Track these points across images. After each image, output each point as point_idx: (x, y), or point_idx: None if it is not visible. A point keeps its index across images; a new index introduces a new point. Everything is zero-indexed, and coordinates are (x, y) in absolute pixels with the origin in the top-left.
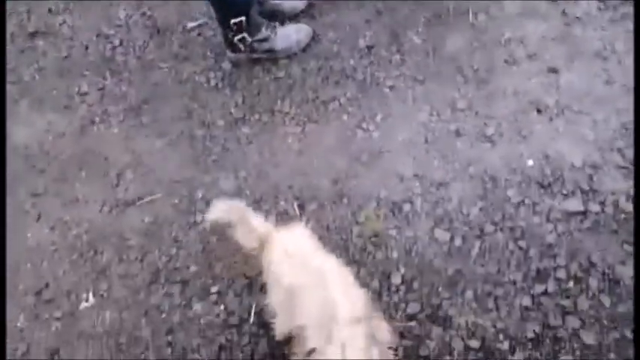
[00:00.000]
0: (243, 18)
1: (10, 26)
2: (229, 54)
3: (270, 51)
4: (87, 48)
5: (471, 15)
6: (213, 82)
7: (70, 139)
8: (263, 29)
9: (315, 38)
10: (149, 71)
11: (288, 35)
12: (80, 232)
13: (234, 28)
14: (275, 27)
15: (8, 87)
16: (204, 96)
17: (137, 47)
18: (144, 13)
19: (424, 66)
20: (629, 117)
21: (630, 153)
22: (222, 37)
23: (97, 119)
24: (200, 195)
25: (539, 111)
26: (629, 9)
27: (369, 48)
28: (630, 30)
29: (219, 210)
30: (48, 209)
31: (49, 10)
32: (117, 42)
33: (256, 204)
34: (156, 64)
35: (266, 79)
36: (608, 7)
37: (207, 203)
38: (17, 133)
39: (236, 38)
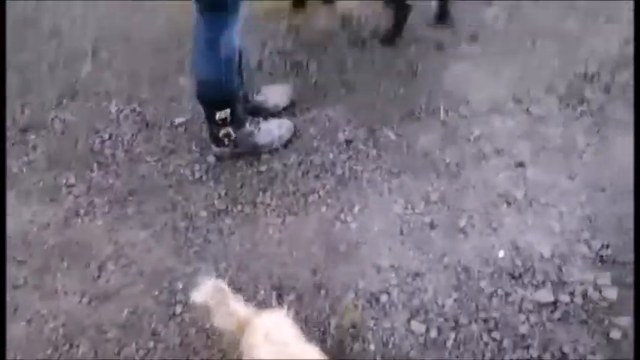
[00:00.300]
0: (227, 112)
1: None
2: (214, 148)
3: (253, 146)
4: (77, 142)
5: (442, 113)
6: (197, 175)
7: (53, 230)
8: (247, 125)
9: (296, 134)
10: (136, 164)
11: (271, 131)
12: (57, 325)
13: (220, 122)
14: (258, 123)
15: None
16: (188, 188)
17: (126, 141)
18: (134, 109)
19: (399, 160)
20: (593, 209)
21: (596, 244)
22: (208, 132)
23: (82, 211)
24: (180, 286)
25: (508, 203)
26: (587, 107)
27: (348, 143)
28: (587, 126)
29: (203, 292)
30: (26, 302)
31: (43, 106)
32: (106, 136)
33: (236, 294)
34: (143, 157)
35: (249, 172)
36: (567, 107)
37: (188, 295)
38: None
39: (221, 133)
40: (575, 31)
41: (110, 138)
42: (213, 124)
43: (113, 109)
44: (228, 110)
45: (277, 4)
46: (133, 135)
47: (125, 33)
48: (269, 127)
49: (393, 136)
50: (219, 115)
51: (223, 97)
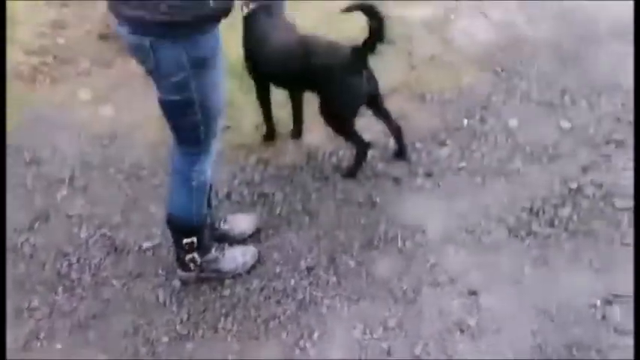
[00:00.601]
0: (194, 239)
1: None
2: (180, 272)
3: (218, 271)
4: (44, 265)
5: (399, 242)
6: (161, 299)
7: (12, 355)
8: (212, 250)
9: (259, 260)
10: (102, 288)
11: (235, 257)
12: None
13: (186, 248)
14: (223, 249)
15: None
16: (151, 312)
17: (93, 265)
18: (104, 234)
19: (358, 287)
20: (543, 337)
21: None
22: (175, 256)
23: (43, 334)
24: None
25: (462, 331)
26: (534, 239)
27: (309, 270)
28: (535, 257)
29: None
30: None
31: (14, 230)
32: (74, 260)
33: None
34: (109, 281)
35: (212, 296)
36: (516, 238)
37: None
38: None
39: (187, 257)
40: (521, 170)
41: (78, 262)
42: (180, 249)
43: (83, 234)
44: (195, 237)
45: (246, 139)
46: (100, 259)
47: (103, 161)
48: (234, 253)
49: (353, 264)
50: (186, 241)
51: (191, 225)
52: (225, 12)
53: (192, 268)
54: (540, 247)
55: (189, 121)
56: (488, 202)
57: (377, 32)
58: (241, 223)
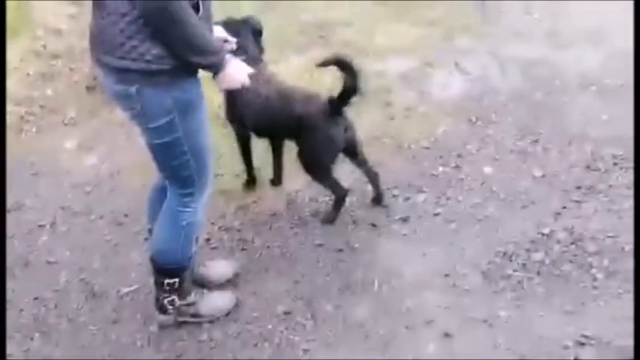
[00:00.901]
0: (177, 280)
1: None
2: (158, 316)
3: (196, 315)
4: (21, 311)
5: (376, 286)
6: (139, 344)
7: None
8: (192, 294)
9: (237, 304)
10: (78, 333)
11: (213, 302)
12: None
13: (167, 288)
14: (203, 293)
15: None
16: (129, 357)
17: (71, 310)
18: (83, 279)
19: (335, 331)
20: None
21: None
22: (154, 299)
23: None
24: None
25: None
26: (507, 283)
27: (286, 314)
28: (509, 300)
29: None
30: None
31: None
32: (52, 305)
33: None
34: (87, 326)
35: (189, 341)
36: (490, 282)
37: None
38: None
39: (166, 300)
40: (495, 216)
41: (56, 307)
42: (160, 290)
43: (62, 279)
44: (177, 279)
45: (227, 185)
46: (79, 305)
47: (86, 207)
48: (212, 298)
49: (330, 308)
50: (168, 282)
51: (177, 266)
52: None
53: (171, 311)
54: (514, 290)
55: (180, 162)
56: (463, 246)
57: (351, 85)
58: (220, 268)
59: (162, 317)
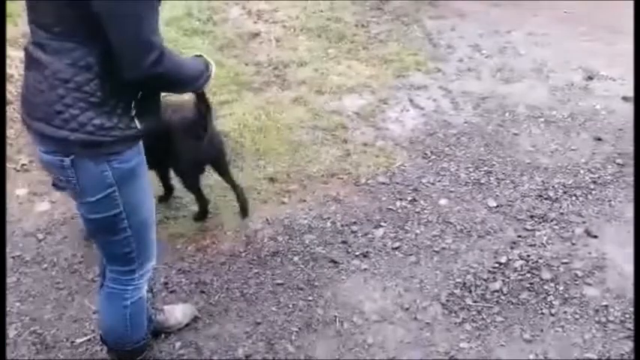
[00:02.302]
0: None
1: None
2: None
3: None
4: None
5: (337, 323)
6: None
7: None
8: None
9: (196, 349)
10: None
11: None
12: None
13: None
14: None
15: None
16: None
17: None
18: (34, 331)
19: None
20: None
21: None
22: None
23: None
24: None
25: None
26: (468, 314)
27: (247, 357)
28: (470, 331)
29: None
30: None
31: None
32: None
33: None
34: None
35: None
36: (450, 314)
37: None
38: None
39: None
40: (452, 247)
41: None
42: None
43: (12, 332)
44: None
45: (184, 228)
46: (29, 357)
47: (37, 256)
48: None
49: (291, 349)
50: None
51: (132, 347)
52: (152, 130)
53: None
54: (474, 321)
55: (119, 238)
56: (422, 279)
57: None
58: (177, 313)
59: None
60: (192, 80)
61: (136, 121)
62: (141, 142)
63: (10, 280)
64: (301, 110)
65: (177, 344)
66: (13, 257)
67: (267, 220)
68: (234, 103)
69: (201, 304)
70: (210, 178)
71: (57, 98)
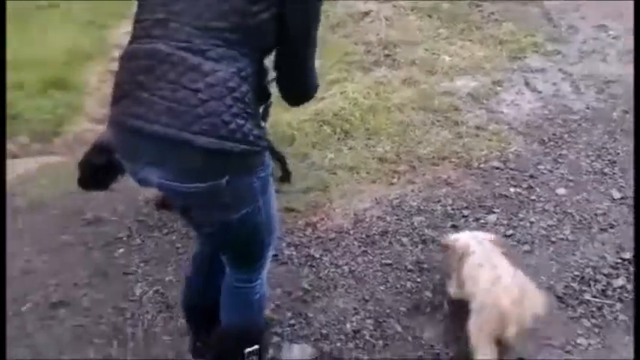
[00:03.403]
0: (256, 347)
1: (37, 297)
2: None
3: None
4: (100, 318)
5: (445, 307)
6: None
7: None
8: (269, 350)
9: (306, 320)
10: (153, 343)
11: (293, 355)
12: None
13: (247, 355)
14: (281, 347)
15: (21, 349)
16: None
17: (146, 321)
18: (157, 290)
19: (404, 351)
20: None
21: None
22: None
23: None
24: None
25: None
26: (586, 309)
27: (355, 332)
28: (588, 327)
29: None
30: None
31: (75, 284)
32: (129, 315)
33: None
34: (160, 337)
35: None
36: (567, 308)
37: None
38: None
39: None
40: (570, 238)
41: (132, 317)
42: (239, 357)
43: (138, 290)
44: (257, 346)
45: (295, 203)
46: (153, 316)
47: (159, 221)
48: (291, 353)
49: (399, 328)
50: (249, 350)
51: (256, 333)
52: None
53: None
54: (593, 317)
55: (255, 241)
56: (537, 269)
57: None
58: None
59: None
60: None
61: (266, 128)
62: None
63: (135, 242)
64: (411, 91)
65: (288, 314)
66: (137, 221)
67: (375, 199)
68: (344, 82)
69: (311, 278)
70: (318, 156)
71: (225, 108)
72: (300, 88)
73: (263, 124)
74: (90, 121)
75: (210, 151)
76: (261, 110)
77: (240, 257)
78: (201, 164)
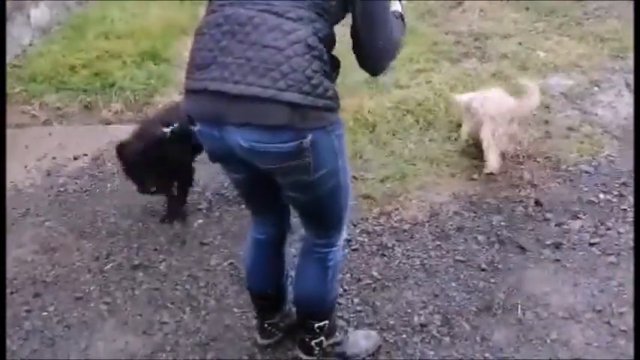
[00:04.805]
0: (326, 323)
1: (119, 258)
2: (302, 356)
3: (341, 356)
4: (176, 284)
5: (519, 311)
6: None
7: None
8: (337, 333)
9: (373, 308)
10: (224, 313)
11: (358, 341)
12: None
13: (317, 330)
14: (347, 332)
15: (101, 306)
16: (267, 346)
17: (219, 291)
18: (231, 263)
19: (472, 351)
20: None
21: None
22: (299, 340)
23: (168, 348)
24: None
25: None
26: None
27: (422, 326)
28: None
29: None
30: None
31: (155, 249)
32: (203, 284)
33: None
34: (231, 308)
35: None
36: None
37: None
38: (98, 348)
39: (314, 342)
40: None
41: (206, 286)
42: (307, 332)
43: (213, 261)
44: (327, 322)
45: (371, 190)
46: (226, 287)
47: (238, 196)
48: (356, 337)
49: (467, 327)
50: (317, 325)
51: (326, 308)
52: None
53: (317, 351)
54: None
55: (336, 204)
56: (621, 282)
57: None
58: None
59: (306, 358)
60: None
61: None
62: None
63: (214, 214)
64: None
65: (356, 300)
66: (218, 194)
67: (453, 194)
68: (430, 72)
69: (381, 267)
70: (398, 145)
71: (306, 63)
72: (378, 43)
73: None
74: (180, 93)
75: (294, 105)
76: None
77: (319, 220)
78: (286, 120)
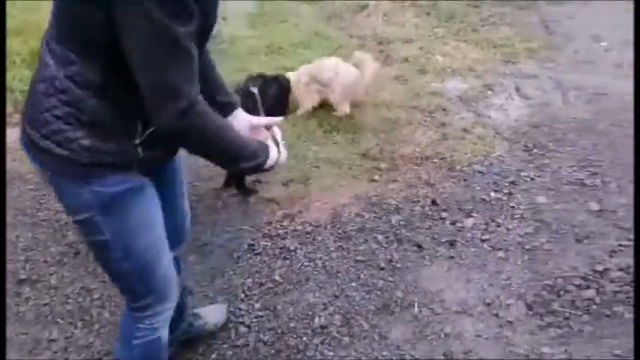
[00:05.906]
0: None
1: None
2: None
3: None
4: (67, 298)
5: (416, 308)
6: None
7: None
8: None
9: (274, 312)
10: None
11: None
12: None
13: None
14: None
15: None
16: None
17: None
18: None
19: (370, 350)
20: None
21: None
22: None
23: None
24: None
25: None
26: (554, 318)
27: (323, 328)
28: (554, 337)
29: None
30: None
31: (45, 262)
32: (97, 296)
33: None
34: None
35: (224, 345)
36: (535, 316)
37: None
38: None
39: None
40: (545, 247)
41: (100, 298)
42: None
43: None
44: None
45: (275, 193)
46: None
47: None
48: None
49: (366, 326)
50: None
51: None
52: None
53: None
54: (559, 327)
55: (115, 270)
56: (509, 276)
57: None
58: (214, 314)
59: None
60: (233, 158)
61: (139, 150)
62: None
63: None
64: (401, 88)
65: (257, 305)
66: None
67: (355, 195)
68: None
69: (284, 270)
70: (302, 148)
71: (48, 106)
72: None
73: (137, 141)
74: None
75: (32, 141)
76: (143, 132)
77: (111, 281)
78: (32, 148)
